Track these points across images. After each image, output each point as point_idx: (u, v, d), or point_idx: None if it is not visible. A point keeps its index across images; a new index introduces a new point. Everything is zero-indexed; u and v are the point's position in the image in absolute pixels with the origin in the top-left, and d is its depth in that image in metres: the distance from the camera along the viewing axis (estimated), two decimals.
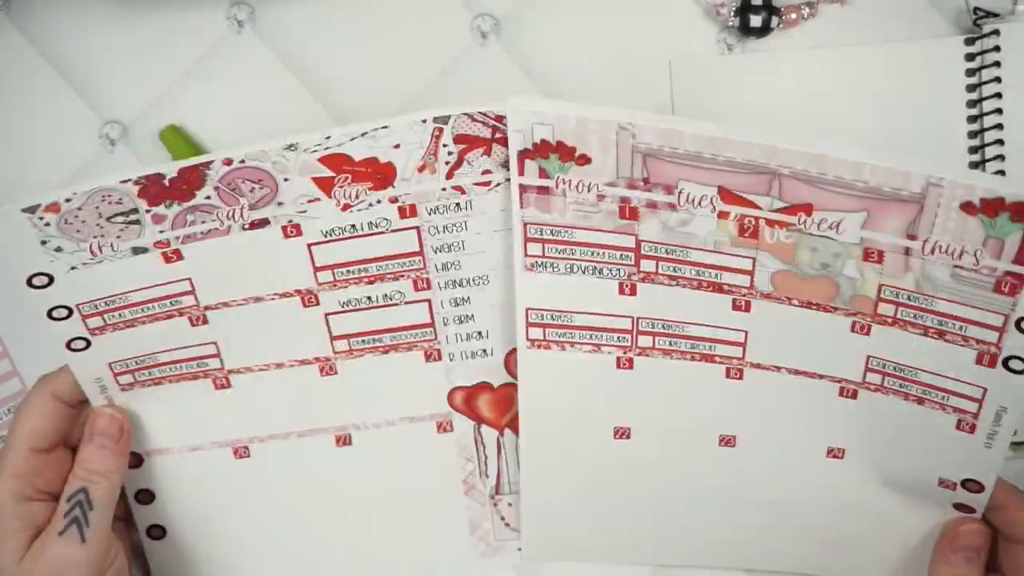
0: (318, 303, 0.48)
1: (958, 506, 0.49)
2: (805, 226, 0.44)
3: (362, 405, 0.51)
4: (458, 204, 0.46)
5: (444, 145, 0.45)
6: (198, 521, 0.53)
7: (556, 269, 0.47)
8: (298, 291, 0.48)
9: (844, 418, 0.49)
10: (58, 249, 0.45)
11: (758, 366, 0.48)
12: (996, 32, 0.52)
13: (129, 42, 0.54)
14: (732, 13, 0.53)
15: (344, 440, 0.51)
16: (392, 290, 0.48)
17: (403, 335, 0.49)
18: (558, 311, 0.48)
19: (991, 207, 0.42)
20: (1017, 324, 0.43)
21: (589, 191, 0.45)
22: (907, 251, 0.44)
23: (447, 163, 0.45)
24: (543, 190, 0.45)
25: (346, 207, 0.46)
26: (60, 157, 0.55)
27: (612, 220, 0.46)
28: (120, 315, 0.48)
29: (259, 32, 0.54)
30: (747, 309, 0.47)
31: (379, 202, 0.46)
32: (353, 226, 0.46)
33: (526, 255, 0.47)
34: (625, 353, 0.49)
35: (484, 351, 0.49)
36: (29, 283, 0.46)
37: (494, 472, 0.52)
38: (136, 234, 0.46)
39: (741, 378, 0.49)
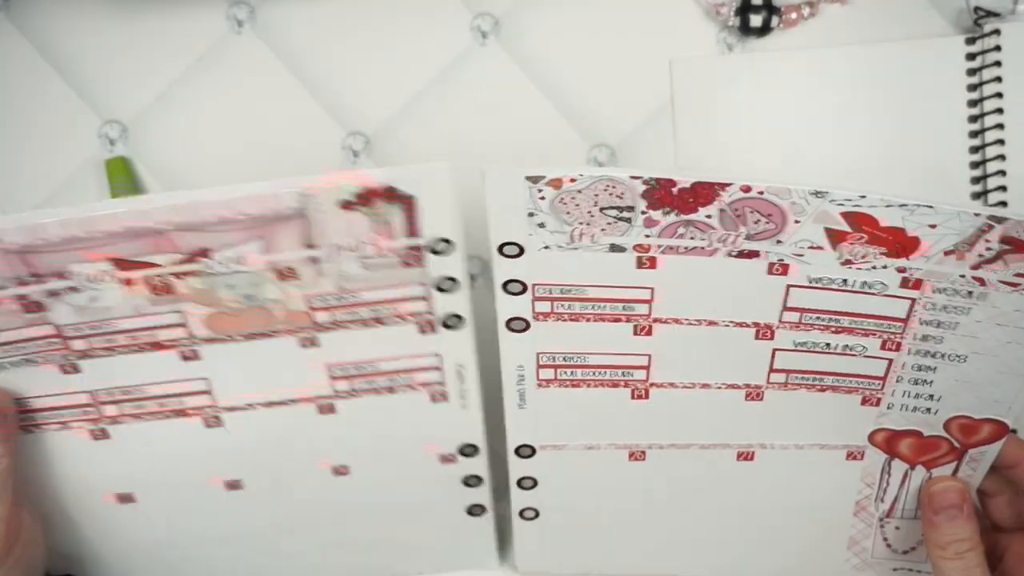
0: (772, 338, 0.47)
1: (466, 481, 0.52)
2: (211, 269, 0.44)
3: (775, 428, 0.51)
4: (971, 292, 0.45)
5: (987, 240, 0.44)
6: (567, 508, 0.54)
7: None
8: (756, 323, 0.47)
9: (335, 437, 0.50)
10: (541, 225, 0.44)
11: (233, 409, 0.49)
12: (997, 32, 0.52)
13: (129, 42, 0.54)
14: (732, 13, 0.53)
15: (747, 456, 0.52)
16: (855, 343, 0.47)
17: (848, 380, 0.49)
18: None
19: (364, 199, 0.43)
20: (438, 287, 0.45)
21: None
22: (313, 259, 0.44)
23: (980, 256, 0.44)
24: None
25: (847, 263, 0.45)
26: (59, 157, 0.55)
27: (19, 318, 0.45)
28: (569, 306, 0.46)
29: (259, 32, 0.54)
30: (196, 357, 0.47)
31: (884, 267, 0.45)
32: (845, 280, 0.45)
33: None
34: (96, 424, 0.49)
35: (928, 410, 0.49)
36: (500, 250, 0.45)
37: (891, 499, 0.52)
38: (621, 232, 0.44)
39: (220, 424, 0.50)
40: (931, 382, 0.48)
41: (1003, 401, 0.48)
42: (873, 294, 0.46)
